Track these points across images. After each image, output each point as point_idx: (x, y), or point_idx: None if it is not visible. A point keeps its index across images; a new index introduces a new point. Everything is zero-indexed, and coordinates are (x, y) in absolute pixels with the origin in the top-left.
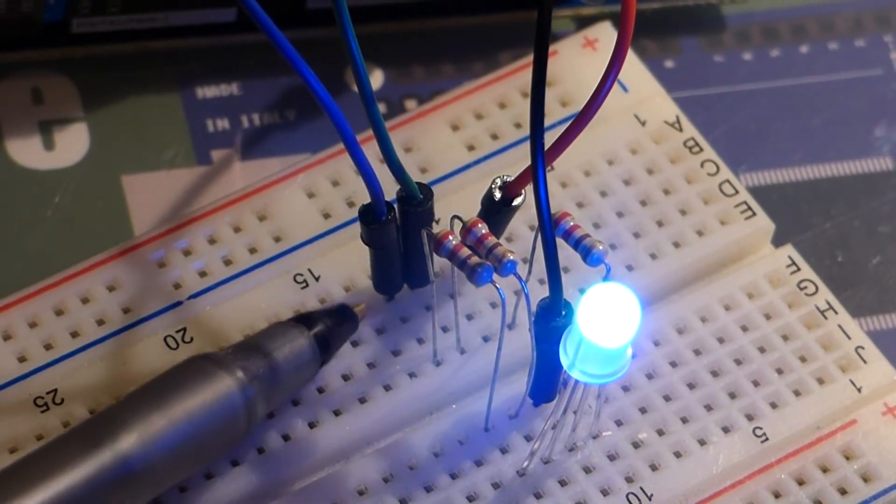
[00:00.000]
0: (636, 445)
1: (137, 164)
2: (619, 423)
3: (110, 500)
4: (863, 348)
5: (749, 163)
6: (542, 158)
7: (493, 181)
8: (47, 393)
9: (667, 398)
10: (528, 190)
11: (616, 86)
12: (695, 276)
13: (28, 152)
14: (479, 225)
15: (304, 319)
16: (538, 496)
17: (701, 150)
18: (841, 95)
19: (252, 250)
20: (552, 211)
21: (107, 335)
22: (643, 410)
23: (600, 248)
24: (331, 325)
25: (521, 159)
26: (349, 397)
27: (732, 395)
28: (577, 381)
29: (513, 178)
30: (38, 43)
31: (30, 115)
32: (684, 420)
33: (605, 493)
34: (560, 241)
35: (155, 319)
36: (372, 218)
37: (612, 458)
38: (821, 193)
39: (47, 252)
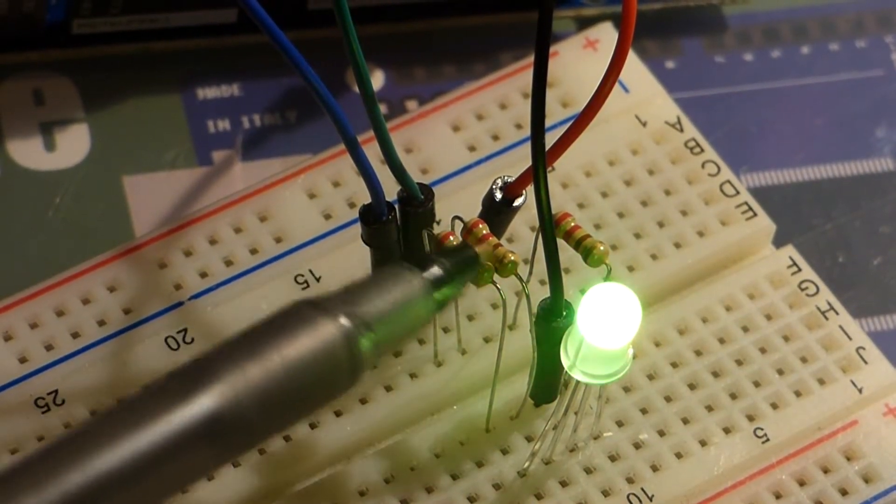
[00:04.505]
0: (637, 446)
1: (138, 164)
2: (619, 424)
3: (203, 451)
4: (864, 349)
5: (750, 163)
6: (542, 159)
7: (494, 182)
8: (48, 394)
9: (668, 399)
10: (529, 190)
11: (617, 86)
12: (696, 276)
13: (29, 153)
14: (480, 225)
15: (418, 261)
16: (539, 497)
17: (702, 150)
18: (842, 96)
19: (253, 251)
20: (553, 211)
21: (108, 336)
22: (644, 411)
23: (601, 248)
24: (448, 267)
25: (521, 160)
26: (350, 398)
27: (733, 396)
28: (577, 382)
29: (514, 179)
30: (40, 44)
31: (31, 116)
32: (685, 421)
33: (606, 493)
34: (561, 242)
35: (156, 320)
36: (373, 218)
37: (613, 458)
38: (822, 194)
39: (48, 253)
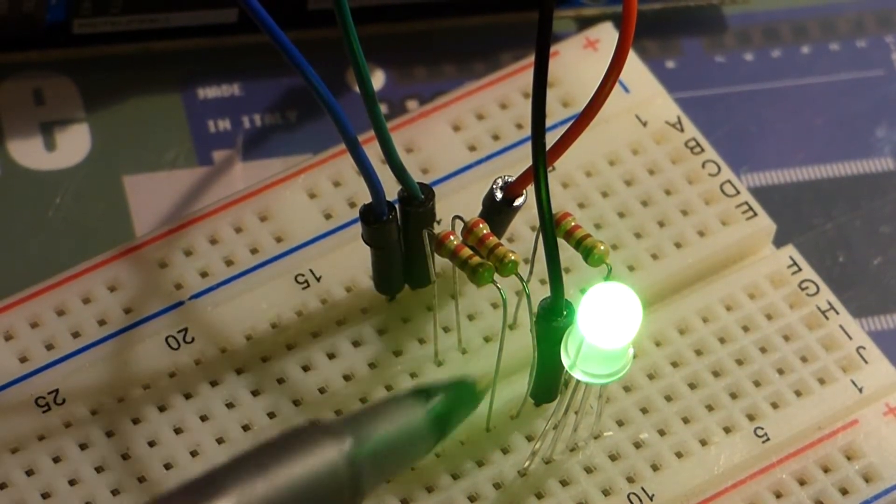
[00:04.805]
0: (637, 445)
1: (139, 164)
2: (620, 424)
3: None
4: (864, 348)
5: (750, 163)
6: (543, 159)
7: (495, 181)
8: (49, 393)
9: (668, 398)
10: (530, 190)
11: (617, 86)
12: (696, 276)
13: (29, 153)
14: (481, 225)
15: (423, 392)
16: (539, 496)
17: (702, 150)
18: (842, 96)
19: (253, 251)
20: (553, 211)
21: (108, 335)
22: (644, 410)
23: (601, 248)
24: (450, 400)
25: (522, 160)
26: (351, 397)
27: (734, 396)
28: (578, 381)
29: (514, 179)
30: (40, 43)
31: (31, 116)
32: (685, 420)
33: (606, 493)
34: (561, 242)
35: (156, 320)
36: (373, 218)
37: (613, 458)
38: (822, 194)
39: (49, 252)
